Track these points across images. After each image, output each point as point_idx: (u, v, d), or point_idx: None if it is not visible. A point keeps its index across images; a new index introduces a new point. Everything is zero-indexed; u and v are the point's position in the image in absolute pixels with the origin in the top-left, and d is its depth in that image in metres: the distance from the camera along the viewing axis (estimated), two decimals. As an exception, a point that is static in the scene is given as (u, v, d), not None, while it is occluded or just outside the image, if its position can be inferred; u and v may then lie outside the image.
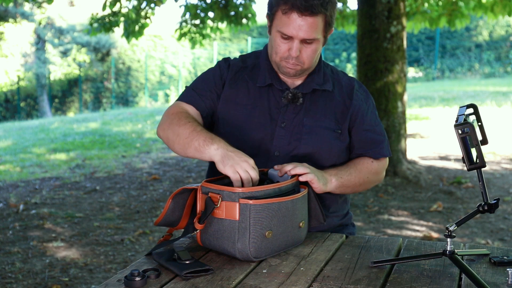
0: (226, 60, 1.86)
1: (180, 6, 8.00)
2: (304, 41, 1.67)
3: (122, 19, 7.71)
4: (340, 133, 1.76)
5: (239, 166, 1.47)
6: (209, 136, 1.56)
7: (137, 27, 7.70)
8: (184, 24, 8.24)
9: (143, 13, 7.70)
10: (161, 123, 1.73)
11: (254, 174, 1.48)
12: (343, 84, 1.83)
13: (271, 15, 1.71)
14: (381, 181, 1.85)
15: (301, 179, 1.57)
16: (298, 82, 1.80)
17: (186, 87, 1.84)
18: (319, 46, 1.71)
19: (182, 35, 8.35)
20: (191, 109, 1.75)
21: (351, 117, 1.78)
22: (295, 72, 1.73)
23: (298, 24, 1.63)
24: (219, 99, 1.78)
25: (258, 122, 1.74)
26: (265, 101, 1.77)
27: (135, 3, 7.65)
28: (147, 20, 7.79)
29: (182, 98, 1.78)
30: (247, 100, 1.77)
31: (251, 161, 1.50)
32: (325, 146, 1.74)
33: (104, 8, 7.52)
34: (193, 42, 8.44)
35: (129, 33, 7.75)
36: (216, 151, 1.52)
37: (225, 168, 1.48)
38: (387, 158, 1.84)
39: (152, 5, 7.71)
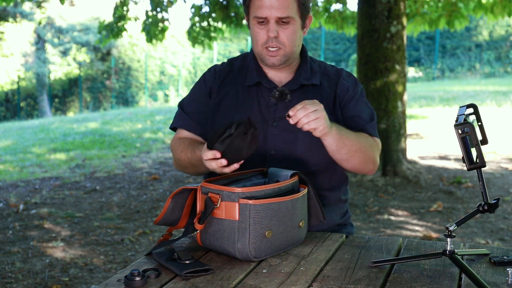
0: (212, 69, 1.88)
1: (191, 8, 8.11)
2: (280, 22, 1.68)
3: (125, 24, 7.83)
4: None
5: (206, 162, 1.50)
6: (199, 153, 1.65)
7: (158, 29, 7.84)
8: (194, 27, 8.32)
9: (159, 16, 7.84)
10: (173, 160, 1.89)
11: (208, 156, 1.47)
12: (331, 76, 1.84)
13: (246, 9, 1.75)
14: (375, 167, 1.78)
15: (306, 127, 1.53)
16: (286, 79, 1.80)
17: (178, 104, 1.89)
18: (297, 28, 1.72)
19: (194, 40, 8.41)
20: (185, 133, 1.84)
21: (339, 105, 1.80)
22: (279, 59, 1.73)
23: (270, 4, 1.66)
24: (209, 110, 1.82)
25: None
26: (254, 101, 1.78)
27: (149, 7, 7.80)
28: (166, 23, 7.93)
29: (175, 122, 1.86)
30: (237, 101, 1.79)
31: (205, 150, 1.49)
32: (320, 140, 1.73)
33: (114, 15, 7.63)
34: (203, 45, 8.50)
35: (151, 37, 7.91)
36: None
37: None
38: (379, 141, 1.81)
39: (165, 5, 7.83)
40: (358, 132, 1.74)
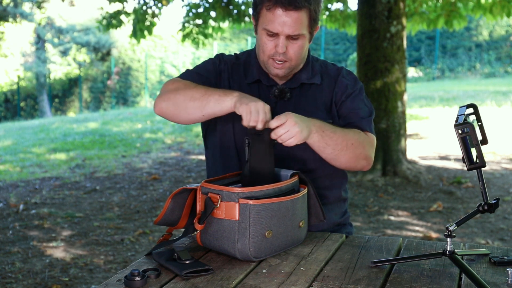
0: (220, 55, 1.88)
1: (182, 7, 8.05)
2: (289, 37, 1.67)
3: (126, 17, 7.79)
4: (331, 123, 1.76)
5: (254, 104, 1.52)
6: (228, 90, 1.65)
7: (146, 24, 7.78)
8: (186, 24, 8.26)
9: (150, 11, 7.79)
10: (162, 95, 1.71)
11: (264, 115, 1.51)
12: (331, 75, 1.83)
13: (256, 14, 1.72)
14: (368, 163, 1.75)
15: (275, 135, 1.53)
16: (286, 77, 1.80)
17: (186, 70, 1.83)
18: (305, 42, 1.71)
19: (185, 36, 8.35)
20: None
21: (336, 103, 1.79)
22: (283, 71, 1.73)
23: (283, 20, 1.64)
24: (216, 85, 1.79)
25: None
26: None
27: (142, 1, 7.75)
28: (155, 19, 7.85)
29: (181, 76, 1.79)
30: None
31: (267, 107, 1.53)
32: None
33: (110, 1, 7.60)
34: (196, 43, 8.42)
35: (137, 33, 7.83)
36: (237, 96, 1.58)
37: (241, 106, 1.53)
38: (373, 137, 1.78)
39: (160, 4, 7.78)
40: (348, 129, 1.71)
